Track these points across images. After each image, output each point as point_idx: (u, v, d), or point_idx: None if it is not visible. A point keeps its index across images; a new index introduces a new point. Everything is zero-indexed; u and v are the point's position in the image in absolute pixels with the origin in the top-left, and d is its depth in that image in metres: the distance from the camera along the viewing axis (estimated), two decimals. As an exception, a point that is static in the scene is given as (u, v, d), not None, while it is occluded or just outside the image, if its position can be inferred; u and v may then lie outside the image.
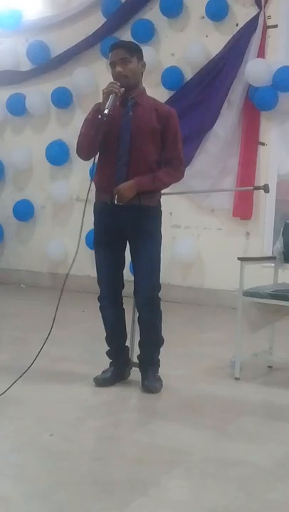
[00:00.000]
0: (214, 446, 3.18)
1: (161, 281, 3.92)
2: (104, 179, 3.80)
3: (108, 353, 4.06)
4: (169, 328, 5.44)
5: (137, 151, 3.76)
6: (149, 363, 3.99)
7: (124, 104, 3.79)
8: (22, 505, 2.47)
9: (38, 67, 7.42)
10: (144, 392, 3.86)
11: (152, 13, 7.03)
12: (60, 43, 7.30)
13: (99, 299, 4.00)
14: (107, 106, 3.62)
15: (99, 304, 4.00)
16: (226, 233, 6.91)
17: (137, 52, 3.83)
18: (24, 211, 7.50)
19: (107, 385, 3.91)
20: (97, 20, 7.16)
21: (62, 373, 4.20)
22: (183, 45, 6.90)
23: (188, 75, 6.93)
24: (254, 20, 6.69)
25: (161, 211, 3.94)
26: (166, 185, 3.91)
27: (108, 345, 4.05)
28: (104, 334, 4.04)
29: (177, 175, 3.91)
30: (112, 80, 3.73)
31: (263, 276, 4.83)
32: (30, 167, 7.53)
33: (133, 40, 6.93)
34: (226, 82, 6.78)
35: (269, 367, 4.66)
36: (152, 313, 3.94)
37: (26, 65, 7.47)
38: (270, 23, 6.68)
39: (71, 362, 4.44)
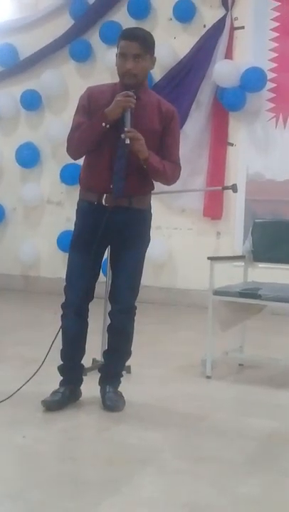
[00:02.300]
0: (186, 444, 3.22)
1: None
2: (94, 178, 3.53)
3: (61, 369, 3.67)
4: (141, 328, 5.44)
5: (136, 154, 3.45)
6: (113, 376, 3.70)
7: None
8: (-5, 506, 2.48)
9: (6, 69, 7.41)
10: (106, 410, 3.57)
11: (120, 15, 7.05)
12: (28, 45, 7.29)
13: (63, 306, 3.64)
14: (126, 125, 3.35)
15: (61, 312, 3.64)
16: (197, 233, 6.96)
17: (152, 48, 3.50)
18: (-5, 214, 7.48)
19: (58, 409, 3.52)
20: (65, 23, 7.17)
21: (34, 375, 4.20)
22: (151, 47, 6.92)
23: (157, 76, 6.96)
24: (221, 22, 6.76)
25: (151, 214, 3.67)
26: (165, 178, 3.59)
27: (62, 359, 3.66)
28: (60, 347, 3.66)
29: (174, 177, 3.64)
30: (119, 72, 3.45)
31: (234, 276, 4.90)
32: (0, 170, 7.51)
33: (101, 42, 7.02)
34: (194, 83, 6.83)
35: (240, 365, 4.71)
36: (128, 322, 3.67)
37: (-6, 68, 7.46)
38: (237, 24, 6.75)
39: (44, 364, 4.42)
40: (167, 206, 6.95)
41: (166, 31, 7.01)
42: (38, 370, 3.58)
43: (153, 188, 3.68)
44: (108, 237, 3.56)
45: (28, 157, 7.26)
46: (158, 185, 4.00)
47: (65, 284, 3.64)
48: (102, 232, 3.52)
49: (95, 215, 3.54)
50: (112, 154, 3.48)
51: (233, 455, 3.10)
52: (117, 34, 6.82)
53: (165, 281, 7.08)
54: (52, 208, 7.10)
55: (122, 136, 3.37)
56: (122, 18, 7.03)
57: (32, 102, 7.28)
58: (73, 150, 3.58)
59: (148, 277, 7.11)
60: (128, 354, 3.79)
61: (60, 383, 3.67)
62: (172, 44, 6.95)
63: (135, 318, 3.72)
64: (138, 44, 3.43)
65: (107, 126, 3.40)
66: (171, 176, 3.60)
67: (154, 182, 3.66)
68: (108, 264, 3.82)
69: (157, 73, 6.95)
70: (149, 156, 3.45)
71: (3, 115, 7.41)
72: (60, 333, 3.65)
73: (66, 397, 3.61)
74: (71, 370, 3.69)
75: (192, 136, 6.84)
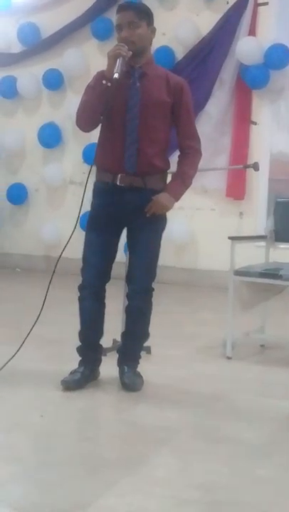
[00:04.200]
0: (203, 424, 3.20)
1: None
2: (108, 157, 3.48)
3: (79, 350, 3.68)
4: (162, 309, 5.44)
5: (146, 128, 3.43)
6: (131, 357, 3.68)
7: (130, 74, 3.43)
8: (10, 485, 2.49)
9: (28, 48, 7.37)
10: (125, 390, 3.56)
11: (143, -8, 6.97)
12: (50, 24, 7.24)
13: (80, 288, 3.62)
14: (115, 70, 3.28)
15: (78, 294, 3.63)
16: (220, 214, 6.91)
17: (147, 16, 3.47)
18: (18, 195, 7.48)
19: (77, 388, 3.52)
20: (87, 1, 7.10)
21: (53, 355, 4.21)
22: (174, 25, 6.84)
23: (180, 54, 6.89)
24: (245, -2, 6.65)
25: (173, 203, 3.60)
26: (196, 170, 3.62)
27: (81, 341, 3.67)
28: (79, 328, 3.67)
29: (198, 158, 3.60)
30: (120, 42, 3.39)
31: (256, 256, 4.84)
32: (22, 150, 7.50)
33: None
34: (217, 61, 6.74)
35: (261, 346, 4.68)
36: (144, 304, 3.62)
37: (17, 47, 7.41)
38: (260, 0, 6.63)
39: (62, 343, 4.42)
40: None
41: (189, 8, 6.93)
42: (20, 347, 3.58)
43: (168, 167, 3.62)
44: (124, 217, 3.55)
45: (51, 137, 7.25)
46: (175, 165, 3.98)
47: (81, 265, 3.62)
48: (117, 213, 3.52)
49: (110, 195, 3.52)
50: (123, 132, 3.45)
51: (251, 436, 3.08)
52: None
53: (187, 262, 7.05)
54: (74, 188, 7.10)
55: (104, 82, 3.32)
56: (145, -5, 6.93)
57: (54, 81, 7.25)
58: (81, 118, 3.53)
59: (170, 258, 7.12)
60: (146, 335, 3.77)
61: (79, 363, 3.67)
62: (195, 21, 6.86)
63: (153, 299, 3.67)
64: (132, 12, 3.43)
65: (109, 84, 3.32)
66: (195, 171, 3.63)
67: (168, 160, 3.61)
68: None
69: (180, 51, 6.88)
70: (175, 198, 3.54)
71: (26, 95, 7.39)
72: (78, 314, 3.65)
73: (85, 376, 3.61)
74: (89, 351, 3.68)
75: (215, 115, 6.77)
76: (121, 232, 3.65)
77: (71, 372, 3.62)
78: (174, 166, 3.68)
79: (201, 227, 6.95)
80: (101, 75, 3.46)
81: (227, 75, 6.73)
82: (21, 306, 5.65)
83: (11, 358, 3.54)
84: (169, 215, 6.89)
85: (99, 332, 3.70)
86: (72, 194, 7.10)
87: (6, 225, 7.68)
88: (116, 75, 3.30)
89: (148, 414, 3.31)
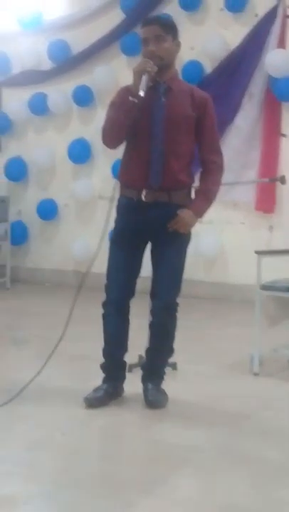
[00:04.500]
0: (228, 443, 3.15)
1: (185, 278, 3.62)
2: (132, 173, 3.48)
3: (103, 367, 3.65)
4: (190, 324, 5.41)
5: (171, 142, 3.42)
6: (155, 374, 3.64)
7: (155, 89, 3.41)
8: (28, 505, 2.48)
9: (58, 65, 7.41)
10: (149, 407, 3.53)
11: (171, 7, 6.96)
12: (80, 41, 7.27)
13: (103, 305, 3.60)
14: (141, 87, 3.27)
15: (102, 311, 3.61)
16: (249, 227, 6.83)
17: (173, 30, 3.46)
18: (48, 210, 7.50)
19: (100, 406, 3.50)
20: (116, 17, 7.12)
21: (78, 371, 4.20)
22: (202, 38, 6.82)
23: (208, 68, 6.86)
24: (273, 11, 6.59)
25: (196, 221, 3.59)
26: (219, 186, 3.63)
27: (105, 358, 3.64)
28: (103, 344, 3.65)
29: (221, 174, 3.60)
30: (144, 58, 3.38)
31: (285, 270, 4.78)
32: (53, 166, 7.53)
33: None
34: (246, 74, 6.70)
35: (289, 362, 4.60)
36: (168, 320, 3.59)
37: (47, 64, 7.46)
38: (290, 12, 6.59)
39: (88, 360, 4.39)
40: (219, 200, 6.77)
41: (218, 22, 6.89)
42: (45, 364, 3.55)
43: (193, 181, 3.61)
44: (148, 233, 3.54)
45: (80, 153, 7.26)
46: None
47: (105, 281, 3.60)
48: (142, 229, 3.51)
49: (134, 211, 3.51)
50: (148, 147, 3.44)
51: (277, 456, 3.02)
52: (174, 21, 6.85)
53: (216, 276, 6.99)
54: (104, 203, 7.10)
55: (131, 98, 3.31)
56: (173, 10, 6.93)
57: (84, 97, 7.27)
58: (107, 136, 3.52)
59: (199, 272, 7.07)
60: (170, 351, 3.73)
61: (102, 380, 3.66)
62: (223, 35, 6.83)
63: (177, 315, 3.64)
64: (157, 26, 3.42)
65: (135, 100, 3.30)
66: (219, 187, 3.63)
67: (193, 175, 3.60)
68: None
69: (208, 65, 6.86)
70: (199, 215, 3.55)
71: (56, 111, 7.43)
72: (102, 331, 3.64)
73: (108, 394, 3.59)
74: (113, 368, 3.66)
75: (244, 128, 6.72)
76: (145, 247, 3.63)
77: (94, 390, 3.60)
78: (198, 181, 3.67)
79: (230, 241, 6.89)
80: (125, 91, 3.47)
81: (256, 87, 6.68)
82: (49, 321, 5.65)
83: (35, 376, 3.52)
84: (199, 229, 6.83)
85: (123, 349, 3.67)
86: (101, 209, 7.09)
87: (36, 241, 7.72)
88: (141, 92, 3.30)
89: (171, 432, 3.27)
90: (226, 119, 6.74)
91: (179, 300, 3.65)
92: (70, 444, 3.09)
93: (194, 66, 6.85)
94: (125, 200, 3.56)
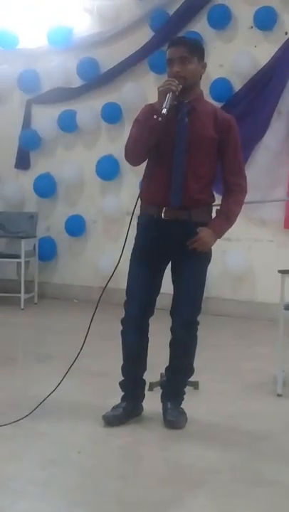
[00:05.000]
0: (245, 466, 3.09)
1: (212, 295, 3.64)
2: (153, 191, 3.47)
3: (122, 385, 3.63)
4: (216, 342, 5.36)
5: (193, 163, 3.43)
6: (175, 393, 3.60)
7: (179, 109, 3.43)
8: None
9: (88, 83, 7.47)
10: (168, 427, 3.48)
11: (200, 25, 6.98)
12: (109, 58, 7.33)
13: (122, 322, 3.58)
14: (164, 106, 3.27)
15: (121, 328, 3.59)
16: (278, 245, 6.77)
17: (199, 52, 3.48)
18: (76, 226, 7.55)
19: (118, 424, 3.49)
20: (145, 35, 7.16)
21: (98, 388, 4.17)
22: (231, 56, 6.83)
23: (237, 85, 6.85)
24: (303, 29, 6.58)
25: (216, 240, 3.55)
26: (241, 207, 3.59)
27: (124, 376, 3.62)
28: (122, 362, 3.63)
29: (243, 196, 3.59)
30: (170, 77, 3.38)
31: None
32: (81, 182, 7.58)
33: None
34: (275, 92, 6.66)
35: (315, 383, 4.51)
36: (188, 338, 3.55)
37: (77, 82, 7.53)
38: None
39: (109, 377, 4.36)
40: (247, 218, 6.79)
41: (247, 40, 6.89)
42: (62, 380, 3.53)
43: (214, 201, 3.58)
44: (168, 251, 3.52)
45: (108, 170, 7.29)
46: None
47: (125, 299, 3.59)
48: (162, 246, 3.49)
49: (154, 228, 3.50)
50: (169, 167, 3.44)
51: (295, 480, 2.95)
52: (200, 42, 6.87)
53: (244, 294, 6.92)
54: (133, 220, 7.09)
55: (155, 117, 3.30)
56: (202, 28, 6.96)
57: (112, 115, 7.32)
58: (130, 153, 3.52)
59: (227, 290, 7.02)
60: (190, 370, 3.68)
61: (121, 398, 3.63)
62: (253, 53, 6.82)
63: (198, 333, 3.60)
64: (183, 47, 3.43)
65: (160, 119, 3.29)
66: (240, 209, 3.59)
67: (213, 193, 3.57)
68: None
69: (237, 82, 6.85)
70: (217, 235, 3.50)
71: (85, 128, 7.48)
72: (121, 348, 3.62)
73: (127, 412, 3.57)
74: (132, 386, 3.63)
75: (272, 146, 6.68)
76: (166, 265, 3.61)
77: (113, 408, 3.58)
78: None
79: (258, 258, 6.82)
80: (149, 109, 3.47)
81: (285, 106, 6.64)
82: (75, 337, 5.63)
83: (51, 393, 3.50)
84: (227, 246, 6.85)
85: (142, 367, 3.63)
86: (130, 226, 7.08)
87: (64, 257, 7.75)
88: (164, 111, 3.29)
89: (189, 453, 3.22)
90: (255, 136, 6.72)
91: (206, 318, 3.63)
92: (85, 462, 3.06)
93: (223, 84, 6.86)
94: (146, 217, 3.55)
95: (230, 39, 6.98)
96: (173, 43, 3.52)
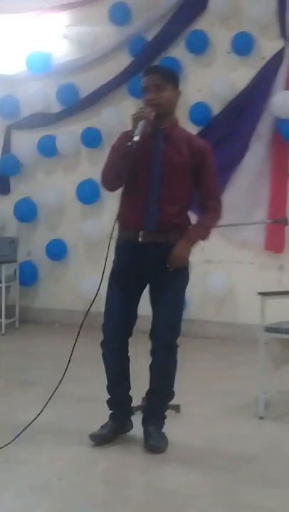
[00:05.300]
0: (225, 490, 3.08)
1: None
2: (130, 215, 3.52)
3: (109, 403, 3.68)
4: (198, 364, 5.36)
5: (168, 188, 3.48)
6: (155, 417, 3.61)
7: (154, 136, 3.48)
8: None
9: (67, 108, 7.50)
10: (149, 452, 3.46)
11: (178, 51, 7.05)
12: (88, 84, 7.36)
13: (101, 344, 3.63)
14: (136, 133, 3.34)
15: (101, 351, 3.63)
16: (259, 267, 6.79)
17: (173, 79, 3.57)
18: (57, 250, 7.53)
19: (106, 443, 3.54)
20: (124, 60, 7.21)
21: (81, 414, 4.14)
22: (209, 81, 6.89)
23: (216, 109, 6.91)
24: (280, 53, 6.66)
25: (189, 250, 3.61)
26: (214, 224, 3.67)
27: (109, 393, 3.68)
28: (106, 383, 3.69)
29: (218, 217, 3.65)
30: (144, 106, 3.49)
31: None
32: (62, 207, 7.57)
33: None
34: (253, 115, 6.74)
35: (297, 405, 4.51)
36: (167, 361, 3.58)
37: (56, 107, 7.56)
38: (296, 54, 6.65)
39: (93, 402, 4.33)
40: (228, 240, 6.84)
41: (225, 65, 6.96)
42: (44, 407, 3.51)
43: (189, 224, 3.63)
44: (146, 274, 3.56)
45: (89, 194, 7.30)
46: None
47: (103, 321, 3.62)
48: (139, 269, 3.54)
49: (132, 252, 3.55)
50: (145, 191, 3.49)
51: (276, 506, 2.93)
52: (176, 70, 6.95)
53: (226, 316, 6.92)
54: (113, 243, 7.09)
55: (129, 144, 3.35)
56: (180, 53, 7.04)
57: (92, 139, 7.34)
58: (106, 178, 3.61)
59: (209, 312, 7.03)
60: (171, 393, 3.68)
61: (109, 416, 3.68)
62: (231, 77, 6.88)
63: (177, 356, 3.61)
64: (158, 75, 3.51)
65: (134, 146, 3.33)
66: (214, 226, 3.65)
67: (189, 216, 3.63)
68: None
69: (216, 106, 6.91)
70: (189, 245, 3.54)
71: (65, 153, 7.50)
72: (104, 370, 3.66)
73: (115, 430, 3.62)
74: (118, 404, 3.68)
75: (252, 168, 6.74)
76: (143, 288, 3.64)
77: (101, 427, 3.62)
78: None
79: (240, 280, 6.84)
80: (124, 136, 3.53)
81: (264, 128, 6.70)
82: (57, 362, 5.60)
83: (34, 420, 3.48)
84: (208, 269, 6.86)
85: (126, 386, 3.67)
86: (111, 249, 7.07)
87: (45, 281, 7.73)
88: (136, 138, 3.34)
89: (170, 478, 3.21)
90: (235, 159, 6.78)
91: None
92: (65, 489, 3.04)
93: (202, 108, 6.92)
94: (123, 241, 3.60)
95: (208, 64, 7.06)
96: (148, 72, 3.61)
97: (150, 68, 3.72)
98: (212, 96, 6.91)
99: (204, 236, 3.62)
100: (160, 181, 3.48)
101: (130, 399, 3.72)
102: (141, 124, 3.37)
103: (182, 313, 3.63)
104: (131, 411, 3.72)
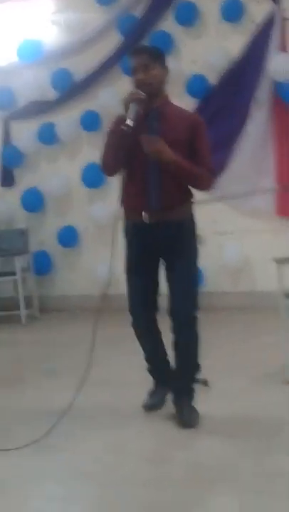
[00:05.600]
0: (263, 459, 3.10)
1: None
2: (132, 197, 3.59)
3: (150, 371, 3.89)
4: (220, 337, 5.36)
5: (168, 165, 3.50)
6: (185, 393, 3.66)
7: (148, 116, 3.53)
8: None
9: (63, 94, 7.45)
10: (181, 427, 3.53)
11: (168, 24, 6.97)
12: (81, 67, 7.31)
13: (132, 326, 3.77)
14: (128, 116, 3.38)
15: (134, 332, 3.78)
16: (272, 234, 6.76)
17: (160, 57, 3.61)
18: (69, 237, 7.54)
19: (158, 408, 3.78)
20: (114, 40, 7.14)
21: (109, 397, 4.17)
22: (203, 51, 6.83)
23: (213, 79, 6.85)
24: (270, 16, 6.58)
25: (194, 223, 3.67)
26: (195, 179, 3.56)
27: (149, 364, 3.87)
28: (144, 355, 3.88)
29: (207, 181, 3.63)
30: (133, 88, 3.52)
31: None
32: (68, 193, 7.56)
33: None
34: (251, 82, 6.67)
35: None
36: (191, 334, 3.62)
37: (52, 94, 7.51)
38: (287, 15, 6.55)
39: (119, 384, 4.38)
40: (239, 210, 6.82)
41: (217, 33, 6.89)
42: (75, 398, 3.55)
43: (192, 197, 3.67)
44: (157, 252, 3.64)
45: (94, 177, 7.28)
46: (226, 191, 3.81)
47: (128, 305, 3.73)
48: (150, 248, 3.61)
49: (140, 232, 3.62)
50: (145, 172, 3.53)
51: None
52: (167, 43, 6.90)
53: (244, 286, 6.93)
54: (122, 224, 7.09)
55: (123, 128, 3.37)
56: (171, 26, 6.97)
57: (92, 122, 7.30)
58: (104, 164, 3.64)
59: (226, 284, 7.02)
60: (196, 367, 3.73)
61: (154, 384, 3.87)
62: (224, 45, 6.81)
63: (198, 329, 3.66)
64: (145, 55, 3.56)
65: (128, 129, 3.35)
66: (200, 177, 3.57)
67: (192, 191, 3.67)
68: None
69: (213, 77, 6.84)
70: (173, 155, 3.47)
71: (65, 139, 7.46)
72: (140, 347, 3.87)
73: (163, 394, 3.81)
74: (160, 371, 3.85)
75: (255, 135, 6.68)
76: (158, 264, 3.70)
77: (149, 394, 3.84)
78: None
79: (254, 249, 6.82)
80: (119, 119, 3.56)
81: (263, 94, 6.64)
82: (79, 348, 5.63)
83: (68, 407, 3.50)
84: (222, 241, 6.84)
85: (163, 353, 3.82)
86: (121, 230, 7.07)
87: (61, 268, 7.74)
88: (129, 121, 3.38)
89: (207, 451, 3.23)
90: (236, 128, 6.72)
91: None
92: (104, 473, 3.07)
93: (198, 79, 6.86)
94: (129, 223, 3.69)
95: (200, 35, 6.98)
96: (134, 52, 3.66)
97: (137, 49, 3.78)
98: (207, 66, 6.85)
99: (183, 169, 3.50)
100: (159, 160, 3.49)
101: (169, 364, 3.85)
102: (132, 106, 3.42)
103: (198, 286, 3.71)
104: (172, 375, 3.81)
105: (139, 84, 3.50)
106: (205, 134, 3.62)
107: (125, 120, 3.40)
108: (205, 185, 3.66)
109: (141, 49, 3.79)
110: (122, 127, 3.39)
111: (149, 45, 3.68)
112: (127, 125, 3.37)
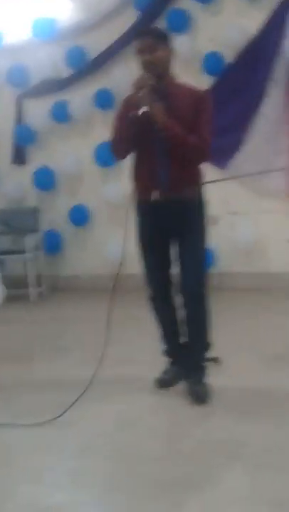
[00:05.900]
0: (275, 436, 3.07)
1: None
2: (143, 177, 3.66)
3: (166, 352, 3.88)
4: (234, 316, 5.33)
5: (177, 146, 3.55)
6: (196, 369, 3.70)
7: (156, 96, 3.51)
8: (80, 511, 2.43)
9: (77, 71, 7.38)
10: (194, 404, 3.53)
11: (186, 1, 6.87)
12: (96, 45, 7.22)
13: (149, 299, 3.83)
14: (143, 103, 3.42)
15: (150, 305, 3.83)
16: (286, 214, 6.70)
17: (165, 38, 3.63)
18: (80, 216, 7.49)
19: (170, 386, 3.77)
20: (130, 17, 7.04)
21: (122, 376, 4.14)
22: (220, 29, 6.73)
23: (230, 57, 6.76)
24: (290, -7, 6.48)
25: (203, 203, 3.70)
26: (188, 146, 3.54)
27: (165, 343, 3.87)
28: (159, 333, 3.87)
29: (199, 149, 3.57)
30: (140, 69, 3.56)
31: None
32: (81, 172, 7.51)
33: (169, 31, 6.88)
34: (268, 60, 6.57)
35: None
36: (201, 310, 3.67)
37: (66, 71, 7.43)
38: (307, -6, 6.46)
39: (132, 364, 4.35)
40: (252, 190, 6.75)
41: (234, 11, 6.78)
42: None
43: (201, 178, 3.70)
44: (167, 230, 3.69)
45: (107, 156, 7.17)
46: (241, 170, 3.76)
47: (145, 280, 3.81)
48: (161, 228, 3.67)
49: (150, 212, 3.67)
50: (154, 151, 3.56)
51: None
52: (184, 21, 6.80)
53: (257, 266, 6.87)
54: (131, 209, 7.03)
55: (139, 114, 3.40)
56: (187, 3, 6.86)
57: (105, 101, 7.22)
58: (114, 147, 3.69)
59: (239, 264, 6.97)
60: (207, 344, 3.75)
61: (169, 364, 3.86)
62: (242, 23, 6.71)
63: (208, 306, 3.68)
64: (150, 37, 3.60)
65: (135, 115, 3.40)
66: (193, 145, 3.54)
67: (201, 172, 3.69)
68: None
69: (229, 55, 6.75)
70: (168, 120, 3.49)
71: (79, 117, 7.39)
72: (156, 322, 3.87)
73: (176, 374, 3.80)
74: (175, 350, 3.83)
75: (271, 114, 6.59)
76: (168, 241, 3.74)
77: (164, 372, 3.83)
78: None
79: (267, 229, 6.76)
80: (127, 103, 3.62)
81: (279, 73, 6.55)
82: (90, 327, 5.60)
83: (88, 385, 3.52)
84: (235, 220, 6.79)
85: (178, 331, 3.80)
86: (133, 211, 7.02)
87: (71, 248, 7.70)
88: (145, 108, 3.41)
89: (217, 428, 3.21)
90: (252, 106, 6.63)
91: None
92: (117, 448, 3.05)
93: (215, 57, 6.78)
94: (140, 202, 3.74)
95: (218, 12, 6.88)
96: (139, 35, 3.72)
97: (141, 31, 3.87)
98: (224, 44, 6.75)
99: (176, 136, 3.51)
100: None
101: (185, 344, 3.84)
102: (144, 92, 3.45)
103: (205, 264, 3.77)
104: (184, 351, 3.82)
105: (145, 65, 3.56)
106: (207, 108, 3.63)
107: (134, 103, 3.47)
108: (198, 153, 3.61)
109: (145, 31, 3.87)
110: (138, 114, 3.42)
111: (153, 27, 3.71)
112: (143, 112, 3.40)
